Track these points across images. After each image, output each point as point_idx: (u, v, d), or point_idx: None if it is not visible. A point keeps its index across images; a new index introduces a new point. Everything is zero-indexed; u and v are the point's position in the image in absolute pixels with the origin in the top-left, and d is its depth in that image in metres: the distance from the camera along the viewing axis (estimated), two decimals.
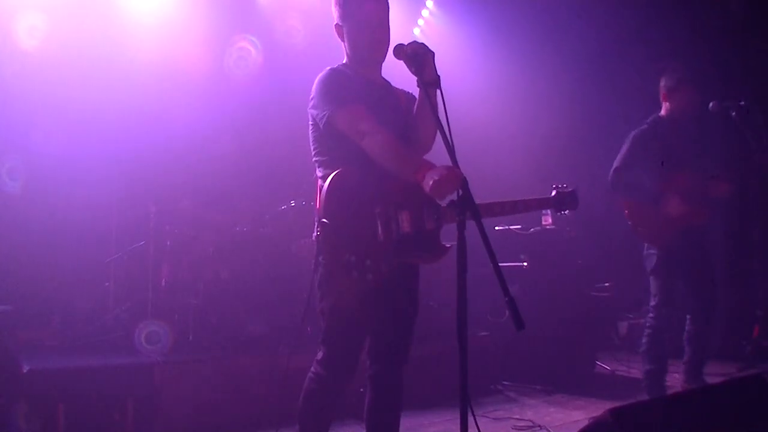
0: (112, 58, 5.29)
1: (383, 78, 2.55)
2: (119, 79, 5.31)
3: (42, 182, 5.06)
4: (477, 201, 2.03)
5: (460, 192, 2.02)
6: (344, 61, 2.51)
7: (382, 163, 2.26)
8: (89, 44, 5.20)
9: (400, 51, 2.27)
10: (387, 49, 2.44)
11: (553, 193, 2.67)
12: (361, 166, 2.29)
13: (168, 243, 4.74)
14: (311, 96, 2.41)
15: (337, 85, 2.36)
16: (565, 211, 2.73)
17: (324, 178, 2.27)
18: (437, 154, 2.37)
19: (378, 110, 2.37)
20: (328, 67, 2.43)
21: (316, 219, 2.26)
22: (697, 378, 4.46)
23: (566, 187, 2.72)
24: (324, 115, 2.34)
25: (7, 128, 4.93)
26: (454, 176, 2.05)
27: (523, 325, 1.87)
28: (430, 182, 2.09)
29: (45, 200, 5.03)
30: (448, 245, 2.39)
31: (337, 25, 2.47)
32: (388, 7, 2.45)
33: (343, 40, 2.48)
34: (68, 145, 5.10)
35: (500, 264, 1.95)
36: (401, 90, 2.57)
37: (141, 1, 5.50)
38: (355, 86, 2.38)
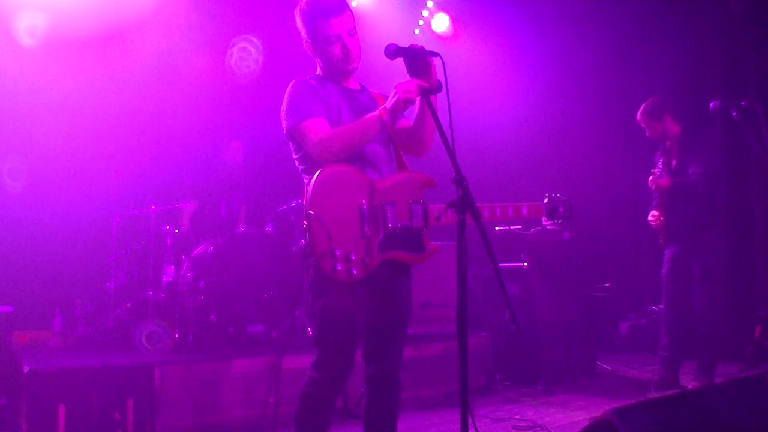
0: (112, 58, 5.30)
1: (359, 83, 2.56)
2: (120, 79, 5.31)
3: (42, 182, 5.06)
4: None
5: (460, 192, 2.02)
6: (317, 72, 2.52)
7: (351, 147, 2.30)
8: (90, 44, 5.21)
9: (397, 53, 2.27)
10: (360, 58, 2.46)
11: (546, 200, 2.63)
12: (347, 163, 2.32)
13: (168, 243, 4.74)
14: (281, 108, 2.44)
15: (300, 98, 2.38)
16: (558, 220, 2.65)
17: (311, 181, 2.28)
18: (437, 155, 2.38)
19: (351, 112, 2.41)
20: (294, 80, 2.45)
21: (303, 214, 2.26)
22: (708, 377, 4.50)
23: (560, 196, 2.65)
24: (285, 126, 2.38)
25: (8, 128, 4.93)
26: (406, 84, 2.23)
27: (522, 326, 1.87)
28: (391, 101, 2.25)
29: (45, 200, 5.04)
30: (435, 245, 2.39)
31: (306, 42, 2.47)
32: (354, 17, 2.46)
33: (314, 56, 2.49)
34: (68, 145, 5.10)
35: (501, 264, 1.96)
36: (378, 93, 2.58)
37: (142, 1, 5.49)
38: (321, 94, 2.39)
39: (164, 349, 4.18)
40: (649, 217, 4.73)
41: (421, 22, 6.96)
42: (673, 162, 4.68)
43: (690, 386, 4.50)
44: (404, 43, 2.34)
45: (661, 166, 4.57)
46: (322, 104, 2.38)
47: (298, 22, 2.47)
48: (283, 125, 2.41)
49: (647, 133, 4.76)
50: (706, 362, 4.54)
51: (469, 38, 6.96)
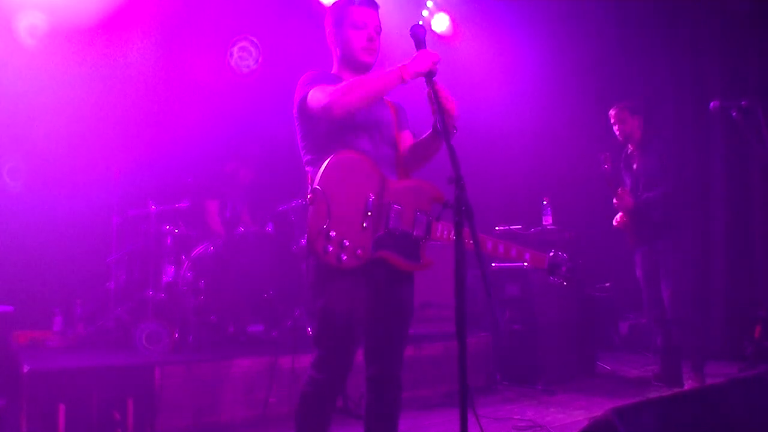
0: (113, 58, 5.30)
1: None
2: (120, 79, 5.31)
3: (42, 182, 5.06)
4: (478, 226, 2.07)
5: (456, 192, 2.03)
6: (332, 72, 2.52)
7: (367, 96, 2.26)
8: (90, 43, 5.21)
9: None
10: (377, 58, 2.48)
11: (551, 253, 2.59)
12: (364, 155, 2.31)
13: (168, 243, 4.74)
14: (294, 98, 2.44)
15: (316, 77, 2.40)
16: (558, 279, 2.59)
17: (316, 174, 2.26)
18: (438, 156, 2.38)
19: (364, 111, 2.40)
20: (310, 70, 2.46)
21: (308, 192, 2.24)
22: (698, 378, 4.49)
23: (566, 255, 2.59)
24: (297, 99, 2.38)
25: (8, 128, 4.93)
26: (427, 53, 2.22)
27: (501, 326, 1.90)
28: (408, 61, 2.22)
29: (46, 200, 5.03)
30: (431, 259, 2.38)
31: (330, 31, 2.50)
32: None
33: (335, 47, 2.50)
34: (68, 144, 5.10)
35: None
36: (389, 100, 2.58)
37: (142, 1, 5.49)
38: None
39: (164, 349, 4.18)
40: (615, 220, 4.84)
41: (421, 22, 6.95)
42: (634, 165, 4.80)
43: (686, 386, 4.51)
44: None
45: (628, 185, 4.75)
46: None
47: (327, 16, 2.51)
48: (295, 103, 2.41)
49: (617, 128, 4.82)
50: (693, 361, 4.55)
51: (469, 38, 6.96)
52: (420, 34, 2.30)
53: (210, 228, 5.06)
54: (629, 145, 4.87)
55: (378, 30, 2.46)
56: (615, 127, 4.85)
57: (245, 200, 5.37)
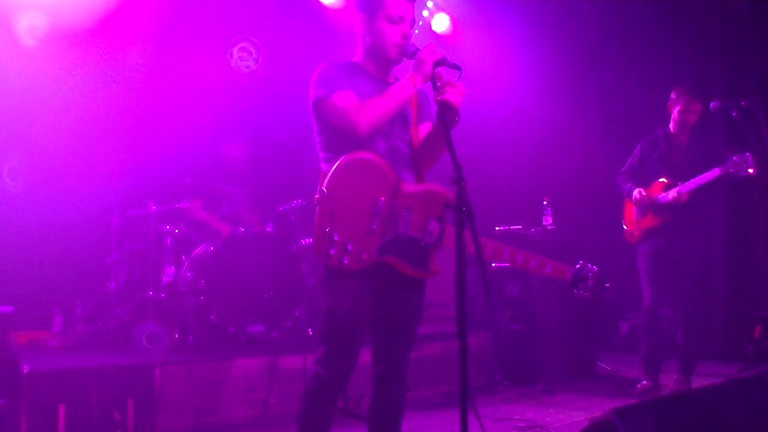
0: (112, 57, 5.30)
1: (394, 77, 2.48)
2: (119, 78, 5.31)
3: (42, 182, 5.06)
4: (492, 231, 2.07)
5: (457, 192, 2.02)
6: (353, 59, 2.45)
7: (386, 115, 2.26)
8: (89, 43, 5.21)
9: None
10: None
11: (578, 265, 2.43)
12: (379, 155, 2.28)
13: (168, 243, 4.74)
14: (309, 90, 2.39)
15: (331, 75, 2.33)
16: (585, 292, 2.40)
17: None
18: (442, 158, 2.37)
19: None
20: (324, 62, 2.40)
21: (317, 191, 2.22)
22: (686, 381, 4.46)
23: (595, 267, 2.40)
24: (312, 98, 2.34)
25: (8, 128, 4.93)
26: (429, 47, 2.26)
27: (501, 329, 1.90)
28: (413, 69, 2.25)
29: (45, 200, 5.03)
30: (438, 268, 2.35)
31: (359, 17, 2.39)
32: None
33: (363, 35, 2.40)
34: (68, 144, 5.10)
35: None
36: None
37: (142, 1, 5.49)
38: (354, 79, 2.34)
39: (164, 349, 4.18)
40: (639, 194, 4.49)
41: (421, 23, 6.95)
42: (673, 157, 4.55)
43: (672, 387, 4.49)
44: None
45: (661, 174, 4.49)
46: (351, 87, 2.32)
47: (359, 1, 2.41)
48: (310, 100, 2.36)
49: (688, 117, 4.46)
50: (687, 365, 4.51)
51: (469, 38, 6.95)
52: (410, 49, 2.31)
53: (210, 228, 5.04)
54: (682, 135, 4.53)
55: (413, 24, 2.37)
56: (684, 114, 4.47)
57: (243, 196, 5.32)
